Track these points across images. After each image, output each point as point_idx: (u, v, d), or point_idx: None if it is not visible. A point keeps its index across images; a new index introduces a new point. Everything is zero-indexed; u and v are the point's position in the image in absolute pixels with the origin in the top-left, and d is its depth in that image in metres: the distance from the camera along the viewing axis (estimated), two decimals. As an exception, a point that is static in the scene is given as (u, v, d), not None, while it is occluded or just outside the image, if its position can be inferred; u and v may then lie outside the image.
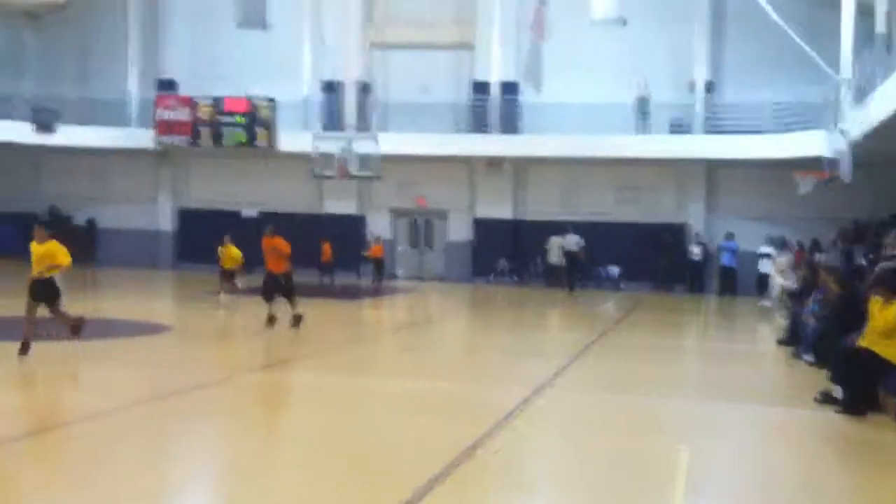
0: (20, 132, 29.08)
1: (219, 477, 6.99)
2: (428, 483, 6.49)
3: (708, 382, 12.45)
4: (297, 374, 11.66)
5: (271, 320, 15.29)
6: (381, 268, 27.55)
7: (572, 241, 27.12)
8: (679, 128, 28.18)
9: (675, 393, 11.17)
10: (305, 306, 20.62)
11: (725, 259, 27.42)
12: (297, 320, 15.17)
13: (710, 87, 27.96)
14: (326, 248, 26.67)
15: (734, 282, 27.23)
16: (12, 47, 32.24)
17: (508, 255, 29.33)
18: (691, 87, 27.95)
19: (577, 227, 27.71)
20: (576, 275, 27.24)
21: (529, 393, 10.22)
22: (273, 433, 8.61)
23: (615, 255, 28.20)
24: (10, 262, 29.47)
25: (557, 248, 27.85)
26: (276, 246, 15.93)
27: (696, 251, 27.81)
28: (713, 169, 28.43)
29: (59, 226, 31.62)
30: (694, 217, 28.60)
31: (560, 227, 27.88)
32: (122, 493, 6.30)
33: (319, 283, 25.67)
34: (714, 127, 27.76)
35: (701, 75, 27.83)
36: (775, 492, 6.88)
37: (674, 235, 28.27)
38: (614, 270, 28.41)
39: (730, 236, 27.31)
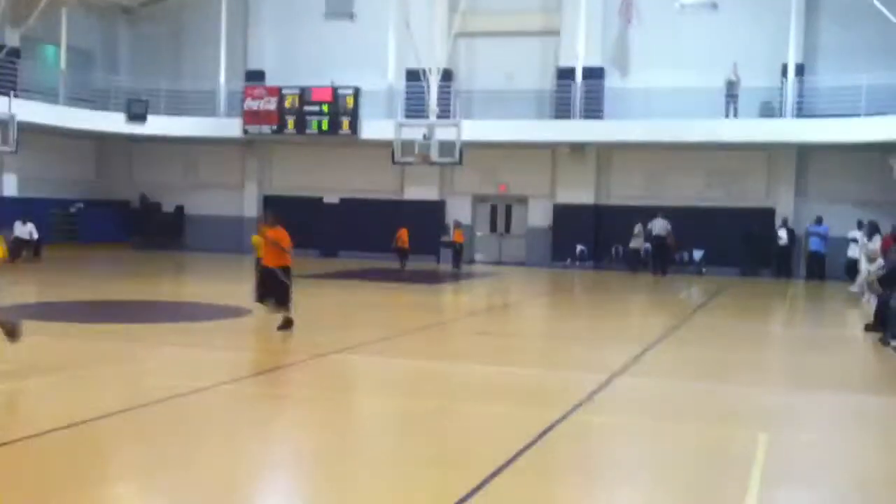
0: (114, 122, 30.01)
1: (299, 459, 7.10)
2: (499, 468, 6.48)
3: (792, 369, 12.13)
4: (374, 357, 11.74)
5: (287, 323, 13.06)
6: (460, 253, 27.58)
7: (661, 226, 26.76)
8: (769, 112, 27.50)
9: (758, 380, 10.89)
10: (385, 292, 20.86)
11: (814, 244, 26.69)
12: (287, 324, 13.01)
13: (801, 71, 27.17)
14: (403, 234, 26.75)
15: (822, 267, 26.50)
16: (108, 41, 33.27)
17: (588, 241, 29.06)
18: (783, 70, 27.18)
19: (664, 213, 27.31)
20: (665, 260, 26.86)
21: (605, 379, 10.10)
22: (349, 417, 8.69)
23: (701, 240, 27.74)
24: (108, 248, 30.56)
25: (643, 233, 27.53)
26: (278, 238, 13.40)
27: (783, 236, 27.11)
28: (804, 153, 27.71)
29: (149, 212, 32.72)
30: (783, 201, 27.92)
31: (644, 213, 27.51)
32: (211, 471, 6.49)
33: (397, 268, 25.82)
34: (805, 111, 26.98)
35: (792, 59, 27.03)
36: (859, 482, 6.65)
37: (762, 220, 27.63)
38: (697, 254, 27.93)
39: (819, 221, 26.56)
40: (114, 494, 6.02)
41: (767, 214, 27.91)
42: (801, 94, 27.02)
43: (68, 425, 7.40)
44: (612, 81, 28.79)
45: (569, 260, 28.98)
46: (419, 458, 7.05)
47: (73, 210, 30.53)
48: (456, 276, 25.35)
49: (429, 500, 5.82)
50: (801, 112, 26.91)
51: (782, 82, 27.18)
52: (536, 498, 6.08)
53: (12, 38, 27.16)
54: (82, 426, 7.44)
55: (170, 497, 5.89)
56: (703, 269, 27.55)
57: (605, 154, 29.55)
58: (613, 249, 28.92)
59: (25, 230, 25.33)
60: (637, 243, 27.77)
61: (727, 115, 27.20)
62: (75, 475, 6.20)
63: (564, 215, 29.44)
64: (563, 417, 8.20)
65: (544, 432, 7.61)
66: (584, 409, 8.69)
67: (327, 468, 6.70)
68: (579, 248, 29.06)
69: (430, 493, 6.08)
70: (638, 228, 27.80)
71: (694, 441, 7.77)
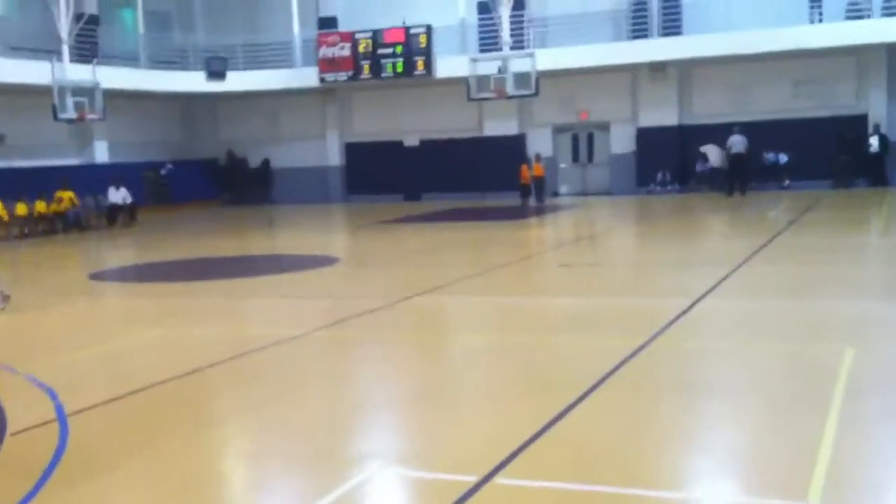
0: (195, 82, 30.60)
1: (400, 393, 7.41)
2: (590, 389, 6.79)
3: (883, 282, 11.83)
4: (462, 296, 11.92)
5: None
6: (542, 186, 27.45)
7: (738, 142, 26.07)
8: (856, 12, 26.38)
9: (847, 295, 10.70)
10: (469, 231, 20.99)
11: (910, 148, 25.73)
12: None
13: (886, -34, 25.91)
14: (524, 170, 26.67)
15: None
16: (182, 1, 33.71)
17: (673, 163, 28.59)
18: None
19: (750, 127, 26.65)
20: (744, 177, 26.24)
21: (690, 303, 10.07)
22: (442, 354, 8.93)
23: (791, 154, 27.01)
24: (200, 206, 31.44)
25: (717, 151, 26.91)
26: None
27: (874, 143, 26.16)
28: (895, 53, 26.51)
29: (236, 168, 33.39)
30: (875, 106, 26.88)
31: (729, 130, 26.85)
32: (317, 407, 6.94)
33: (521, 204, 25.84)
34: (895, 8, 25.77)
35: (878, -49, 25.80)
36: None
37: (854, 128, 26.70)
38: (783, 157, 27.13)
39: (915, 124, 25.56)
40: (226, 433, 6.46)
41: (859, 121, 26.93)
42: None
43: (181, 374, 7.90)
44: (689, -6, 27.99)
45: (652, 185, 28.60)
46: (513, 385, 7.32)
47: (163, 172, 31.39)
48: (539, 211, 25.30)
49: (526, 422, 6.04)
50: (891, 10, 25.74)
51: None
52: (627, 412, 6.34)
53: (90, 6, 27.77)
54: (194, 375, 7.94)
55: (280, 433, 6.26)
56: (787, 183, 26.84)
57: (686, 72, 28.85)
58: (694, 171, 28.39)
59: (119, 195, 26.20)
60: (717, 161, 27.10)
61: (811, 21, 26.19)
62: (184, 421, 6.64)
63: (648, 139, 28.95)
64: (649, 342, 8.26)
65: (630, 356, 7.74)
66: (668, 333, 8.72)
67: (427, 400, 7.00)
68: (660, 174, 28.64)
69: (526, 415, 6.31)
70: (706, 148, 27.15)
71: (778, 357, 7.75)
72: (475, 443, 5.85)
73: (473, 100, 26.24)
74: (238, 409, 7.01)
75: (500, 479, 5.11)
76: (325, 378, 7.98)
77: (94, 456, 5.90)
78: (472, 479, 5.07)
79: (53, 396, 7.26)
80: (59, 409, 6.89)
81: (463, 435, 6.09)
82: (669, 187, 28.49)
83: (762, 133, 26.85)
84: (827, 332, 8.76)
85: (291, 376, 7.94)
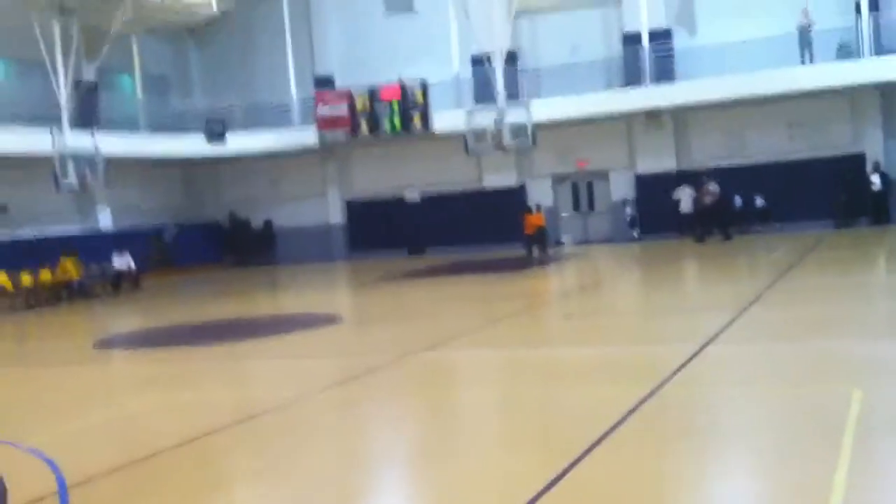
0: (195, 145, 30.84)
1: (407, 450, 7.38)
2: (598, 440, 6.74)
3: (886, 322, 11.78)
4: (468, 350, 11.89)
5: None
6: (544, 236, 27.46)
7: (714, 190, 25.95)
8: (847, 53, 26.63)
9: (854, 335, 10.65)
10: (471, 284, 20.95)
11: (909, 187, 25.82)
12: None
13: (875, 6, 26.22)
14: (529, 219, 26.59)
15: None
16: (180, 64, 34.19)
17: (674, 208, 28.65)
18: (856, 7, 26.28)
19: (748, 171, 26.87)
20: (721, 222, 26.11)
21: (697, 349, 10.03)
22: (449, 408, 8.87)
23: (792, 196, 27.07)
24: (204, 270, 31.49)
25: (688, 197, 27.10)
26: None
27: (875, 181, 26.24)
28: (889, 92, 26.75)
29: (239, 229, 33.53)
30: (872, 145, 27.05)
31: (727, 173, 27.00)
32: (324, 469, 6.86)
33: (526, 254, 25.81)
34: (886, 47, 26.05)
35: (865, -6, 26.15)
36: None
37: (852, 167, 26.81)
38: (759, 201, 27.09)
39: (914, 161, 25.67)
40: (235, 500, 6.39)
41: (857, 160, 27.06)
42: (878, 31, 26.10)
43: (188, 440, 7.85)
44: (680, 41, 28.31)
45: (635, 232, 28.83)
46: (523, 438, 7.29)
47: (167, 237, 31.47)
48: (542, 261, 25.31)
49: (538, 474, 6.00)
50: (881, 49, 26.00)
51: (857, 20, 26.28)
52: (638, 462, 6.27)
53: (88, 73, 28.10)
54: (197, 441, 7.88)
55: (291, 498, 6.19)
56: (778, 225, 26.83)
57: (681, 118, 29.07)
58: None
59: (123, 262, 26.27)
60: (686, 207, 27.17)
61: (803, 62, 26.45)
62: (192, 489, 6.57)
63: (647, 185, 29.07)
64: (656, 390, 8.21)
65: (639, 404, 7.69)
66: (676, 380, 8.67)
67: (434, 455, 6.97)
68: (628, 213, 28.85)
69: (538, 468, 6.26)
70: (678, 192, 27.25)
71: (788, 400, 7.69)
72: (488, 498, 5.80)
73: (473, 153, 26.41)
74: (245, 475, 6.95)
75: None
76: (332, 439, 7.92)
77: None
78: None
79: (55, 469, 7.19)
80: (62, 483, 6.83)
81: (475, 490, 6.03)
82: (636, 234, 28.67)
83: (762, 176, 27.00)
84: (834, 373, 8.70)
85: (298, 439, 7.89)
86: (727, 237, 25.81)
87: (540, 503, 5.51)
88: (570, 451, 6.47)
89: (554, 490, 5.72)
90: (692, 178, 27.34)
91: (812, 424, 6.89)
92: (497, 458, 6.80)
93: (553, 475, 5.94)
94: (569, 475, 6.00)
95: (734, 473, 6.03)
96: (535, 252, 26.07)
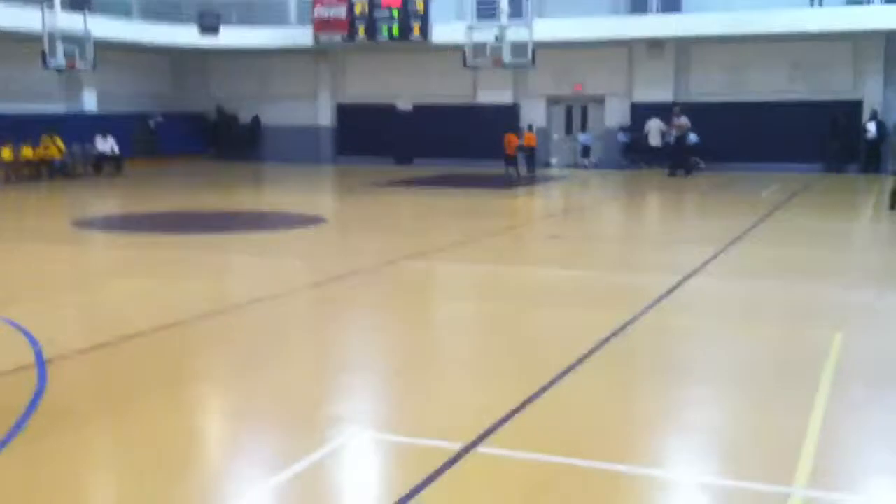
0: (187, 35, 30.16)
1: (381, 358, 7.32)
2: (573, 364, 6.68)
3: (870, 267, 11.81)
4: (448, 263, 11.84)
5: None
6: (533, 157, 27.27)
7: (679, 123, 25.82)
8: (857, -1, 26.27)
9: (834, 278, 10.67)
10: (458, 198, 20.85)
11: (904, 135, 25.74)
12: None
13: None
14: (511, 140, 26.17)
15: (913, 160, 25.59)
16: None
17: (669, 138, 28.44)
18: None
19: (745, 107, 26.60)
20: (681, 158, 25.98)
21: (678, 280, 10.02)
22: (426, 320, 8.85)
23: (786, 136, 26.93)
24: (187, 160, 31.16)
25: (657, 130, 26.96)
26: None
27: (871, 129, 26.11)
28: (893, 40, 26.40)
29: (226, 124, 33.09)
30: (871, 93, 26.79)
31: (725, 108, 26.74)
32: (294, 370, 6.76)
33: (506, 174, 25.56)
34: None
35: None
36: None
37: (848, 113, 26.65)
38: (692, 137, 26.60)
39: (909, 111, 25.56)
40: (205, 391, 6.35)
41: (854, 107, 26.85)
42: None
43: (162, 327, 7.80)
44: (690, -29, 27.74)
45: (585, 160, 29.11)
46: (498, 356, 7.26)
47: (152, 124, 31.05)
48: (529, 181, 25.17)
49: (511, 393, 5.98)
50: (890, -4, 25.61)
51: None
52: (612, 389, 6.26)
53: (84, -46, 27.28)
54: (170, 329, 7.83)
55: (259, 394, 6.15)
56: (701, 164, 26.75)
57: (683, 49, 28.65)
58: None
59: (107, 145, 25.93)
60: (654, 140, 27.05)
61: (812, 3, 26.06)
62: (163, 376, 6.54)
63: (642, 114, 28.79)
64: (635, 318, 8.20)
65: (618, 331, 7.68)
66: (656, 309, 8.66)
67: (410, 367, 6.92)
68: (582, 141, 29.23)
69: (511, 387, 6.24)
70: (649, 125, 27.16)
71: (764, 339, 7.71)
72: (459, 412, 5.80)
73: (470, 67, 25.99)
74: (217, 368, 6.93)
75: (482, 449, 5.05)
76: (306, 340, 7.90)
77: (72, 407, 5.81)
78: (456, 446, 5.01)
79: (34, 342, 7.15)
80: (39, 356, 6.78)
81: (446, 403, 6.03)
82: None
83: (757, 114, 26.79)
84: (814, 316, 8.72)
85: (272, 336, 7.85)
86: (686, 171, 25.67)
87: (510, 423, 5.50)
88: (544, 373, 6.45)
89: (524, 412, 5.71)
90: (707, 111, 27.14)
91: (791, 365, 6.91)
92: (471, 375, 6.78)
93: (525, 397, 5.93)
94: (542, 397, 5.99)
95: (709, 407, 6.03)
96: (518, 172, 25.85)
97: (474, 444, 5.07)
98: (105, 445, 5.26)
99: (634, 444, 5.26)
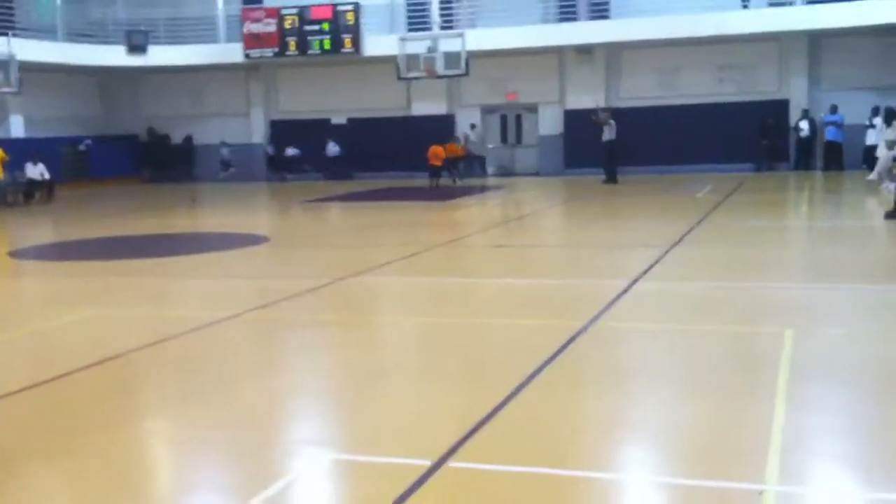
0: (115, 55, 29.64)
1: (331, 380, 7.17)
2: (528, 377, 6.57)
3: (814, 263, 12.06)
4: (395, 278, 11.76)
5: None
6: (457, 167, 27.41)
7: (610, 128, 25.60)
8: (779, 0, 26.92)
9: (780, 276, 10.85)
10: (397, 211, 20.78)
11: (830, 133, 26.47)
12: None
13: (808, -47, 26.40)
14: (436, 151, 26.03)
15: (840, 157, 26.31)
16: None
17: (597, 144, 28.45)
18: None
19: (677, 109, 27.03)
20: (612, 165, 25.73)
21: (627, 284, 10.08)
22: (376, 337, 8.75)
23: (717, 137, 27.42)
24: (120, 183, 30.55)
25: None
26: None
27: (804, 127, 26.74)
28: (816, 40, 27.12)
29: (158, 144, 32.54)
30: (796, 92, 27.45)
31: (658, 112, 27.12)
32: (238, 401, 6.49)
33: (429, 186, 25.47)
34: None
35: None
36: (891, 374, 6.64)
37: (776, 113, 27.25)
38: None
39: (834, 109, 26.25)
40: (155, 424, 6.11)
41: (781, 106, 27.49)
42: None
43: (98, 362, 7.49)
44: (617, -23, 28.15)
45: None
46: (454, 369, 7.16)
47: (82, 147, 30.39)
48: (467, 191, 25.18)
49: (462, 413, 5.86)
50: (813, -3, 26.29)
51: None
52: (567, 404, 6.15)
53: (5, -24, 26.67)
54: (112, 362, 7.54)
55: (213, 423, 5.95)
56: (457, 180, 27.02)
57: (614, 55, 29.04)
58: None
59: (37, 171, 25.28)
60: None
61: (744, 5, 26.65)
62: (109, 410, 6.28)
63: (576, 121, 29.05)
64: (588, 325, 8.21)
65: (570, 341, 7.65)
66: (607, 315, 8.69)
67: (360, 387, 6.75)
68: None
69: (470, 400, 6.18)
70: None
71: (718, 338, 7.77)
72: (424, 428, 5.70)
73: (403, 79, 25.97)
74: (166, 398, 6.69)
75: (453, 463, 4.98)
76: (257, 363, 7.69)
77: (10, 449, 5.52)
78: (426, 462, 4.93)
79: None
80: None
81: (410, 420, 5.93)
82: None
83: (689, 116, 27.26)
84: (765, 313, 8.83)
85: (222, 361, 7.64)
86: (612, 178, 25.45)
87: (477, 436, 5.45)
88: (502, 384, 6.36)
89: (490, 424, 5.65)
90: (642, 115, 27.48)
91: (747, 363, 6.98)
92: (429, 389, 6.66)
93: (487, 410, 5.84)
94: (504, 409, 5.92)
95: (672, 410, 6.05)
96: (454, 181, 25.85)
97: (443, 459, 4.99)
98: (46, 486, 5.03)
99: (603, 449, 5.25)
